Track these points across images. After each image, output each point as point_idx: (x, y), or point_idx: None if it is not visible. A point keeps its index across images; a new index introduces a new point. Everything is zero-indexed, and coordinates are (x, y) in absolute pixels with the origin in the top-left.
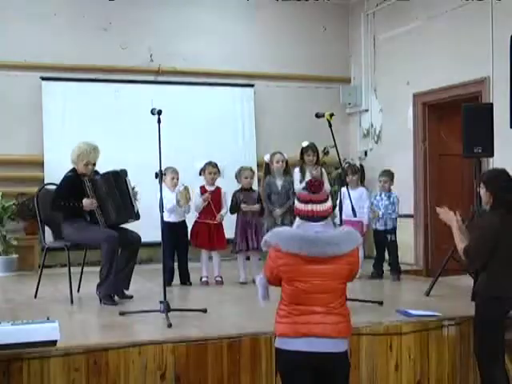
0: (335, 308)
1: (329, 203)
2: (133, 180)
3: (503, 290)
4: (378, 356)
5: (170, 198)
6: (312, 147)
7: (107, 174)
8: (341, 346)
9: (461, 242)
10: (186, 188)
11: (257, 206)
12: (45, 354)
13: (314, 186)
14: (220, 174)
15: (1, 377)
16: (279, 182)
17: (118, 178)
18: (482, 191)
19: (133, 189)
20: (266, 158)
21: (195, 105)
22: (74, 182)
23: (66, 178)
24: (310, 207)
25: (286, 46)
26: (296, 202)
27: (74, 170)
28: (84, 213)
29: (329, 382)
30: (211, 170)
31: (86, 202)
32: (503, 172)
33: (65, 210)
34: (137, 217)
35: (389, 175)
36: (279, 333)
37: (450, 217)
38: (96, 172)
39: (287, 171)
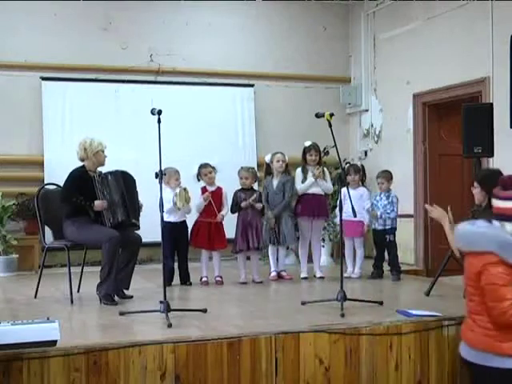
0: (477, 314)
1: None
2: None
3: None
4: (378, 356)
5: (168, 199)
6: (315, 147)
7: (116, 171)
8: (489, 361)
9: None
10: (184, 189)
11: (255, 197)
12: (45, 354)
13: (505, 181)
14: (216, 171)
15: (1, 377)
16: (275, 182)
17: (127, 179)
18: (477, 190)
19: (138, 202)
20: (267, 158)
21: (195, 105)
22: (83, 177)
23: (75, 172)
24: (494, 202)
25: (286, 46)
26: None
27: (82, 167)
28: (89, 209)
29: None
30: (205, 170)
31: (97, 203)
32: (497, 172)
33: (74, 205)
34: (137, 226)
35: (385, 176)
36: None
37: (440, 214)
38: (100, 172)
39: (285, 172)
